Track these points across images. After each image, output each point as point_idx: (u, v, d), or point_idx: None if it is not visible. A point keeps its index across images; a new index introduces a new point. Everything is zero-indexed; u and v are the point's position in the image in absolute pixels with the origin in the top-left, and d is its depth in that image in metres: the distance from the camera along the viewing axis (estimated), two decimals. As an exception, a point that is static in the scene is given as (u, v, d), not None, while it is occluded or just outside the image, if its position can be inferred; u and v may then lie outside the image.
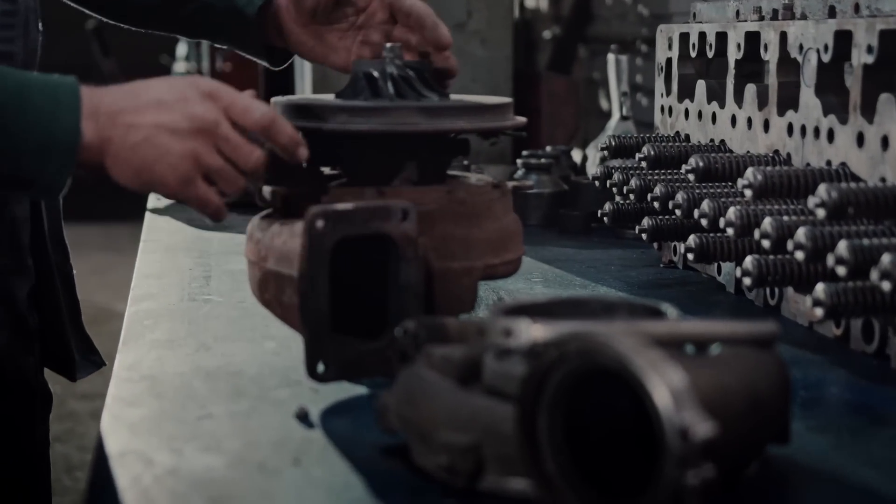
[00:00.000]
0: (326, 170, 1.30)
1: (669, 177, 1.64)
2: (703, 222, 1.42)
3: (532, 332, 0.89)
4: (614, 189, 1.72)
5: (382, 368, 1.14)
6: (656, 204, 1.58)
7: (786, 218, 1.28)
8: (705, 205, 1.41)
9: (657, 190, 1.58)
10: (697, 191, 1.49)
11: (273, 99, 1.28)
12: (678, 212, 1.50)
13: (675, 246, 1.78)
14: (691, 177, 1.47)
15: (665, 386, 0.76)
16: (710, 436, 0.74)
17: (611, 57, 2.36)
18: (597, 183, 1.81)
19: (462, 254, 1.20)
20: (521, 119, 1.28)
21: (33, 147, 1.13)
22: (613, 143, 1.74)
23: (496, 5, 2.85)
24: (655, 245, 1.81)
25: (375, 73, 1.25)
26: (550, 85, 2.99)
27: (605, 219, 1.78)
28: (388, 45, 1.26)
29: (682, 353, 0.90)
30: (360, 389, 1.17)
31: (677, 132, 1.76)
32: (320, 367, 1.12)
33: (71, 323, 1.69)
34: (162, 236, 2.00)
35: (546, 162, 2.18)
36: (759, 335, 0.93)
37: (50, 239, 1.63)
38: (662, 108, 1.83)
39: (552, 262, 1.82)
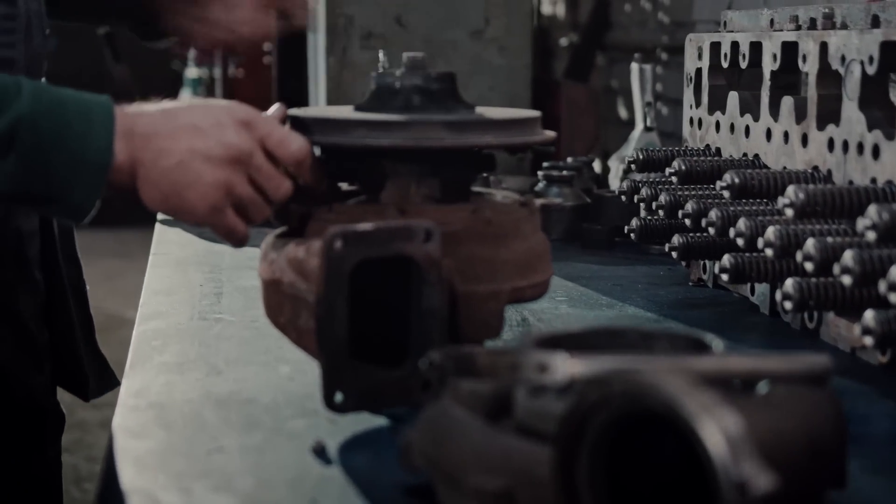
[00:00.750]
0: (345, 185, 1.24)
1: (701, 192, 1.57)
2: (739, 242, 1.35)
3: (569, 367, 0.83)
4: (642, 204, 1.66)
5: (404, 398, 1.08)
6: (687, 221, 1.51)
7: (830, 239, 1.21)
8: (742, 224, 1.34)
9: (689, 207, 1.51)
10: (732, 208, 1.42)
11: (289, 111, 1.22)
12: (711, 230, 1.43)
13: (704, 263, 1.71)
14: (726, 194, 1.40)
15: (720, 433, 0.69)
16: (770, 489, 0.67)
17: (634, 66, 2.29)
18: (623, 197, 1.74)
19: (488, 276, 1.13)
20: (550, 133, 1.21)
21: (63, 165, 1.08)
22: (641, 157, 1.67)
23: (515, 12, 2.78)
24: (683, 262, 1.74)
25: (396, 85, 1.18)
26: (570, 94, 2.92)
27: (631, 235, 1.71)
28: (410, 54, 1.19)
29: (732, 392, 0.83)
30: (380, 421, 1.10)
31: (707, 145, 1.70)
32: (338, 397, 1.05)
33: (84, 340, 1.63)
34: (172, 249, 1.94)
35: (568, 174, 2.11)
36: (813, 371, 0.86)
37: (62, 253, 1.57)
38: (691, 121, 1.76)
39: (576, 280, 1.75)
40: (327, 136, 1.15)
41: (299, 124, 1.18)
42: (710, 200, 1.51)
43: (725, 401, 0.73)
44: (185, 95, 5.48)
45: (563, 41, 3.97)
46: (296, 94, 3.19)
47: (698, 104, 1.74)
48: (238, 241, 1.16)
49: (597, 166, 2.89)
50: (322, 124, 1.16)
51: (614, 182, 2.25)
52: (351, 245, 1.05)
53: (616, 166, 2.26)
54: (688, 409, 0.71)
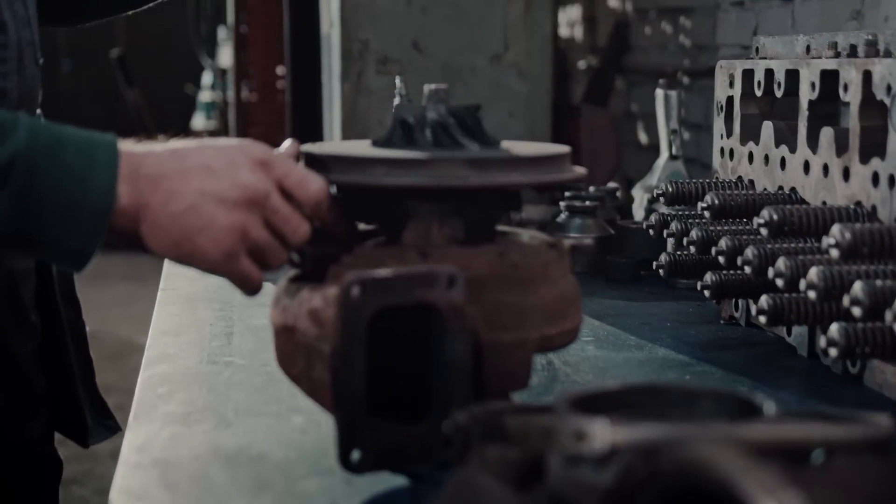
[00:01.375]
0: (363, 226, 1.17)
1: (735, 227, 1.50)
2: (779, 282, 1.28)
3: (610, 435, 0.75)
4: (671, 239, 1.58)
5: (425, 457, 1.00)
6: (721, 259, 1.44)
7: (878, 282, 1.13)
8: (782, 263, 1.27)
9: (723, 243, 1.43)
10: (770, 246, 1.35)
11: (303, 147, 1.15)
12: (748, 269, 1.36)
13: (736, 301, 1.63)
14: (764, 231, 1.32)
15: (785, 520, 0.62)
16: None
17: (659, 92, 2.22)
18: (651, 231, 1.66)
19: (515, 324, 1.06)
20: (580, 170, 1.14)
21: (60, 207, 1.01)
22: (670, 189, 1.60)
23: (535, 36, 2.72)
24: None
25: (417, 119, 1.11)
26: (590, 119, 2.85)
27: (660, 270, 1.63)
28: (432, 86, 1.12)
29: (788, 464, 0.75)
30: (399, 481, 1.03)
31: (740, 177, 1.62)
32: (355, 455, 0.98)
33: (84, 384, 1.56)
34: (182, 284, 1.87)
35: (591, 205, 2.03)
36: (877, 439, 0.79)
37: (60, 294, 1.50)
38: (722, 151, 1.68)
39: (602, 318, 1.67)
40: (345, 174, 1.08)
41: (314, 162, 1.11)
42: (745, 237, 1.43)
43: (786, 479, 0.66)
44: (199, 118, 5.44)
45: (582, 64, 3.90)
46: (309, 120, 3.14)
47: (729, 134, 1.66)
48: (252, 290, 1.08)
49: (619, 194, 2.82)
50: (339, 162, 1.09)
51: (638, 212, 2.18)
52: (369, 292, 0.97)
53: (640, 196, 2.19)
54: (747, 489, 0.64)
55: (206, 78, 5.47)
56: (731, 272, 1.49)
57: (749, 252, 1.35)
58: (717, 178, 1.70)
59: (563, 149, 1.14)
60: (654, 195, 2.11)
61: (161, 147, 1.06)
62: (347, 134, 2.66)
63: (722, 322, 1.65)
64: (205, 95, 5.42)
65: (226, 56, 4.60)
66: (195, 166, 1.03)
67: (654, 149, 3.22)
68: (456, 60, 2.66)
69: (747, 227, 1.50)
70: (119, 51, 5.84)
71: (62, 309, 1.50)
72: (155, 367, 1.39)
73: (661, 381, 1.05)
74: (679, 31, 3.17)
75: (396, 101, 2.27)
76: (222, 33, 4.93)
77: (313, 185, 1.06)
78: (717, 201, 1.46)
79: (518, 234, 1.17)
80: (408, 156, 1.07)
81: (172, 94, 5.77)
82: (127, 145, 1.05)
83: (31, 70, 1.36)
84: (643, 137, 3.40)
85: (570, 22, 4.10)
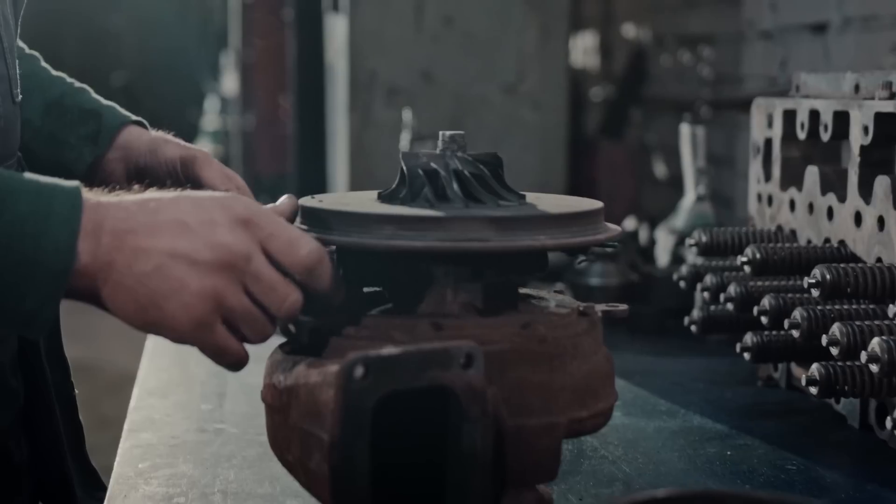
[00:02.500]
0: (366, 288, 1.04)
1: (778, 283, 1.37)
2: (834, 351, 1.14)
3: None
4: (706, 293, 1.45)
5: (438, 564, 0.87)
6: (764, 319, 1.30)
7: (954, 358, 1.00)
8: (837, 330, 1.13)
9: (766, 302, 1.30)
10: (820, 308, 1.21)
11: (301, 201, 1.02)
12: (796, 332, 1.22)
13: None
14: (815, 292, 1.19)
15: None
16: None
17: (685, 128, 2.08)
18: (682, 283, 1.53)
19: (542, 407, 0.93)
20: (615, 229, 1.01)
21: (11, 268, 0.87)
22: (704, 239, 1.46)
23: (550, 65, 2.59)
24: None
25: (430, 169, 0.98)
26: (608, 154, 2.73)
27: (692, 327, 1.50)
28: (448, 133, 0.99)
29: None
30: (408, 591, 0.89)
31: (779, 226, 1.49)
32: (357, 562, 0.85)
33: (72, 453, 1.41)
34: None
35: (612, 249, 1.89)
36: None
37: (46, 355, 1.36)
38: (759, 196, 1.55)
39: (629, 377, 1.54)
40: (347, 234, 0.94)
41: (312, 218, 0.98)
42: (790, 295, 1.30)
43: None
44: (204, 145, 5.31)
45: (596, 94, 3.78)
46: (314, 152, 3.01)
47: (768, 178, 1.53)
48: (232, 364, 0.94)
49: (636, 224, 2.68)
50: (340, 219, 0.96)
51: (662, 256, 2.04)
52: (374, 374, 0.84)
53: (665, 239, 2.05)
54: None
55: (211, 103, 5.36)
56: (775, 333, 1.35)
57: (798, 314, 1.22)
58: (752, 225, 1.56)
59: (595, 204, 1.01)
60: (685, 242, 1.98)
61: (133, 198, 0.92)
62: (354, 167, 2.53)
63: (759, 384, 1.52)
64: (210, 122, 5.30)
65: (229, 82, 4.48)
66: (167, 221, 0.90)
67: (672, 184, 3.09)
68: (467, 91, 2.53)
69: (792, 284, 1.37)
70: (123, 79, 5.75)
71: (48, 371, 1.36)
72: (138, 436, 1.26)
73: (719, 489, 0.91)
74: (699, 61, 3.04)
75: (405, 135, 2.14)
76: (226, 59, 4.82)
77: (303, 248, 0.91)
78: (759, 255, 1.33)
79: (543, 299, 1.04)
80: (419, 213, 0.93)
81: (175, 123, 5.64)
82: (93, 195, 0.92)
83: (5, 108, 1.23)
84: (660, 171, 3.27)
85: (583, 50, 3.98)
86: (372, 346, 0.89)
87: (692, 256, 1.90)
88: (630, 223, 2.60)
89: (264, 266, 0.91)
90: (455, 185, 0.97)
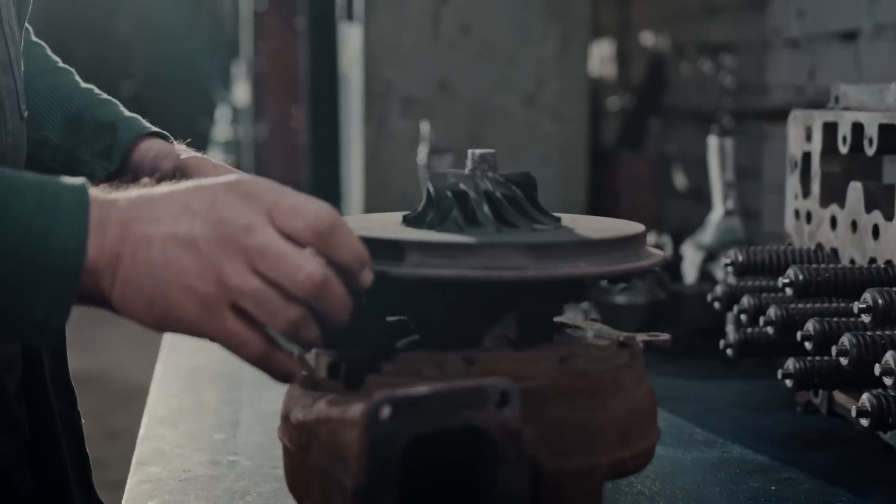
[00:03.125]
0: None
1: (822, 306, 1.29)
2: (888, 380, 1.07)
3: None
4: (743, 316, 1.38)
5: None
6: (808, 344, 1.23)
7: None
8: (891, 359, 1.06)
9: (810, 327, 1.23)
10: (870, 334, 1.14)
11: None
12: (844, 360, 1.15)
13: (816, 386, 1.42)
14: (865, 318, 1.12)
15: None
16: None
17: (713, 140, 2.01)
18: (717, 304, 1.46)
19: (582, 447, 0.86)
20: (658, 254, 0.94)
21: (16, 273, 0.80)
22: (740, 259, 1.39)
23: (570, 75, 2.53)
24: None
25: (459, 191, 0.91)
26: (629, 166, 2.66)
27: (728, 350, 1.43)
28: (478, 151, 0.92)
29: None
30: None
31: (819, 245, 1.41)
32: None
33: (78, 482, 1.34)
34: (183, 357, 1.67)
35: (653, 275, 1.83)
36: None
37: (52, 383, 1.29)
38: (797, 213, 1.48)
39: (661, 402, 1.43)
40: (372, 261, 0.87)
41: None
42: (836, 320, 1.23)
43: None
44: (215, 155, 5.26)
45: (614, 104, 3.71)
46: (328, 165, 2.95)
47: (806, 194, 1.46)
48: (256, 357, 0.83)
49: (660, 239, 2.61)
50: (365, 245, 0.89)
51: (690, 272, 1.97)
52: (402, 415, 0.77)
53: (692, 255, 1.98)
54: None
55: (222, 113, 5.30)
56: (819, 359, 1.28)
57: (846, 341, 1.15)
58: (790, 243, 1.49)
59: (636, 228, 0.94)
60: (714, 258, 1.91)
61: (139, 190, 0.85)
62: (369, 180, 2.46)
63: (798, 409, 1.44)
64: (221, 132, 5.24)
65: (241, 92, 4.42)
66: (169, 206, 0.82)
67: (693, 196, 3.02)
68: (486, 102, 2.46)
69: (836, 307, 1.30)
70: (133, 89, 5.70)
71: (53, 399, 1.29)
72: (146, 470, 1.19)
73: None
74: (721, 70, 2.97)
75: (423, 148, 2.08)
76: (237, 68, 4.76)
77: (310, 211, 0.82)
78: (801, 277, 1.26)
79: (579, 329, 0.97)
80: (449, 239, 0.87)
81: (186, 133, 5.60)
82: (99, 191, 0.85)
83: (13, 124, 1.16)
84: (680, 183, 3.20)
85: (601, 58, 3.91)
86: (399, 383, 0.83)
87: (722, 273, 1.83)
88: (655, 238, 2.54)
89: (270, 237, 0.81)
90: (486, 208, 0.90)
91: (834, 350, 1.17)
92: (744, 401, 1.49)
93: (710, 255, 1.94)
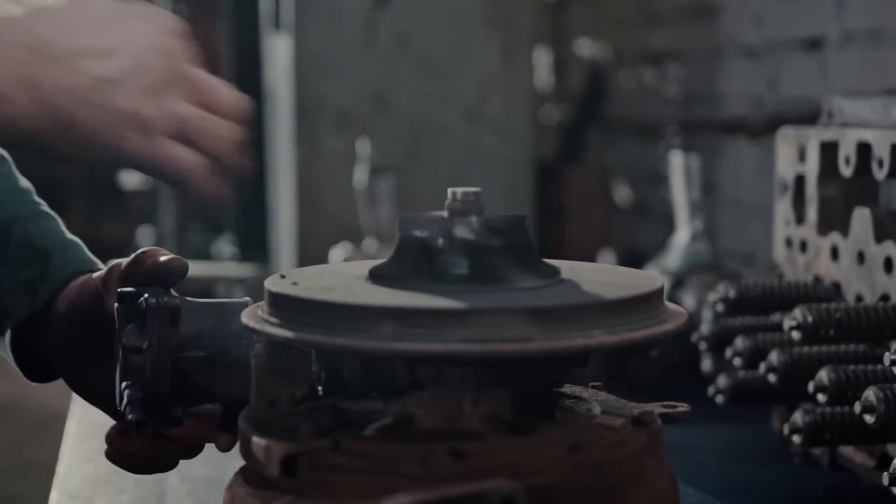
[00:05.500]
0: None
1: (832, 350, 1.15)
2: (928, 445, 0.92)
3: None
4: (738, 360, 1.23)
5: None
6: (821, 396, 1.08)
7: None
8: (933, 420, 0.91)
9: (824, 376, 1.08)
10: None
11: (267, 281, 0.77)
12: (870, 417, 1.00)
13: (817, 435, 1.27)
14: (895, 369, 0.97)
15: None
16: None
17: (677, 158, 1.86)
18: (703, 344, 1.31)
19: (599, 557, 0.69)
20: (680, 312, 0.78)
21: None
22: (732, 295, 1.24)
23: (514, 87, 2.36)
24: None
25: (437, 241, 0.74)
26: (576, 181, 2.51)
27: (717, 397, 1.28)
28: (461, 190, 0.76)
29: None
30: None
31: (817, 277, 1.27)
32: None
33: None
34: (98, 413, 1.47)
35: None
36: None
37: None
38: (789, 241, 1.33)
39: (643, 456, 1.30)
40: (337, 332, 0.70)
41: (287, 308, 0.74)
42: (853, 368, 1.08)
43: None
44: (132, 175, 5.01)
45: (551, 114, 3.56)
46: (254, 181, 2.75)
47: (800, 220, 1.31)
48: (195, 173, 0.82)
49: (611, 260, 2.46)
50: (326, 311, 0.71)
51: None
52: (383, 535, 0.60)
53: (656, 280, 1.83)
54: None
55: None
56: (831, 410, 1.13)
57: (872, 395, 1.00)
58: (780, 274, 1.34)
59: (654, 282, 0.78)
60: (681, 284, 1.77)
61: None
62: (302, 202, 2.28)
63: (797, 461, 1.29)
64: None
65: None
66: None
67: (638, 211, 2.88)
68: (425, 117, 2.29)
69: (845, 349, 1.15)
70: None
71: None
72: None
73: None
74: (666, 78, 2.83)
75: (362, 168, 1.90)
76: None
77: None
78: (811, 319, 1.11)
79: (582, 401, 0.80)
80: (431, 304, 0.70)
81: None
82: None
83: None
84: (623, 198, 3.06)
85: (536, 68, 3.76)
86: (371, 485, 0.65)
87: (704, 307, 1.69)
88: (610, 259, 2.39)
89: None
90: (474, 261, 0.73)
91: (857, 406, 1.02)
92: (734, 451, 1.34)
93: (678, 282, 1.79)
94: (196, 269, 2.77)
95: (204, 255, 3.39)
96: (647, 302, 0.74)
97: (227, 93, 0.85)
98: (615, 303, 0.71)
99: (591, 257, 2.40)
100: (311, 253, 2.19)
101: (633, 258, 2.42)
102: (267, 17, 2.56)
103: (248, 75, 2.77)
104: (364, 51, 2.26)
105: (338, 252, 1.94)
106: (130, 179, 4.83)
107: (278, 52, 2.45)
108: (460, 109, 2.31)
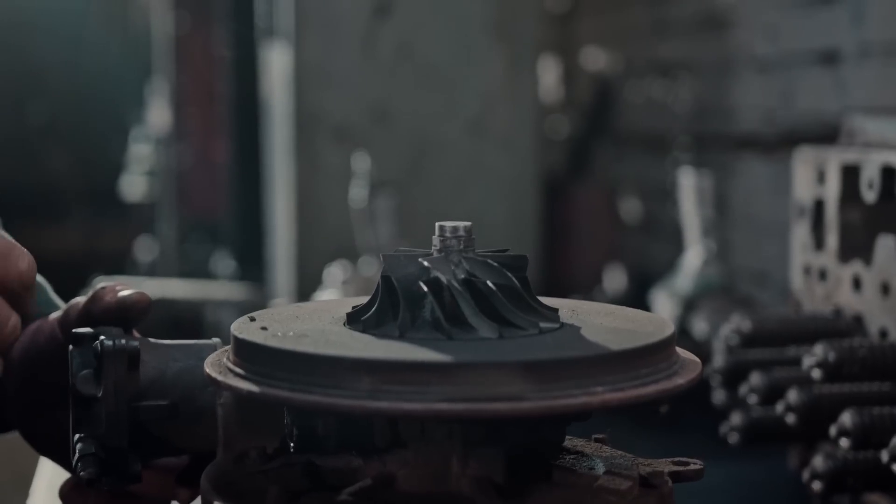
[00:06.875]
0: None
1: (854, 389, 1.07)
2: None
3: None
4: (753, 396, 1.15)
5: None
6: (845, 441, 1.00)
7: None
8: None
9: (847, 420, 1.00)
10: (929, 433, 0.92)
11: (233, 326, 0.69)
12: (897, 467, 0.92)
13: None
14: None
15: None
16: None
17: (688, 176, 1.79)
18: (716, 379, 1.23)
19: None
20: (693, 362, 0.70)
21: None
22: (747, 329, 1.16)
23: (518, 100, 2.29)
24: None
25: (423, 281, 0.67)
26: (584, 197, 2.43)
27: (730, 436, 1.20)
28: (450, 224, 0.68)
29: None
30: None
31: (837, 309, 1.19)
32: None
33: None
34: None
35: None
36: None
37: None
38: (808, 269, 1.25)
39: (652, 497, 1.22)
40: (308, 388, 0.62)
41: (256, 358, 0.66)
42: (878, 411, 1.00)
43: None
44: (134, 182, 4.95)
45: (558, 127, 3.48)
46: (252, 195, 2.69)
47: (819, 246, 1.23)
48: None
49: (619, 280, 2.38)
50: (298, 362, 0.63)
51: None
52: None
53: (665, 304, 1.75)
54: None
55: (136, 137, 4.97)
56: (854, 455, 1.05)
57: (900, 443, 0.92)
58: (797, 304, 1.26)
59: (664, 327, 0.70)
60: (692, 307, 1.69)
61: None
62: (300, 218, 2.20)
63: (817, 505, 1.21)
64: (136, 157, 4.91)
65: (157, 115, 4.13)
66: None
67: (647, 227, 2.80)
68: (427, 130, 2.22)
69: (868, 388, 1.07)
70: (46, 106, 5.41)
71: None
72: None
73: None
74: (677, 91, 2.76)
75: (359, 184, 1.83)
76: (151, 91, 4.46)
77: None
78: (833, 357, 1.03)
79: (583, 458, 0.72)
80: (414, 356, 0.62)
81: (99, 156, 5.31)
82: None
83: None
84: (632, 214, 2.98)
85: (543, 80, 3.68)
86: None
87: (702, 325, 1.61)
88: (618, 278, 2.31)
89: None
90: (463, 306, 0.65)
91: (885, 455, 0.94)
92: (750, 493, 1.26)
93: (688, 306, 1.71)
94: (188, 289, 2.69)
95: (203, 268, 3.32)
96: (657, 353, 0.66)
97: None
98: (620, 354, 0.64)
99: (597, 275, 2.32)
100: (309, 270, 2.12)
101: (642, 276, 2.34)
102: (264, 29, 2.49)
103: (248, 89, 2.70)
104: (364, 61, 2.18)
105: (334, 271, 1.86)
106: (131, 190, 4.77)
107: (275, 64, 2.38)
108: (463, 123, 2.23)
